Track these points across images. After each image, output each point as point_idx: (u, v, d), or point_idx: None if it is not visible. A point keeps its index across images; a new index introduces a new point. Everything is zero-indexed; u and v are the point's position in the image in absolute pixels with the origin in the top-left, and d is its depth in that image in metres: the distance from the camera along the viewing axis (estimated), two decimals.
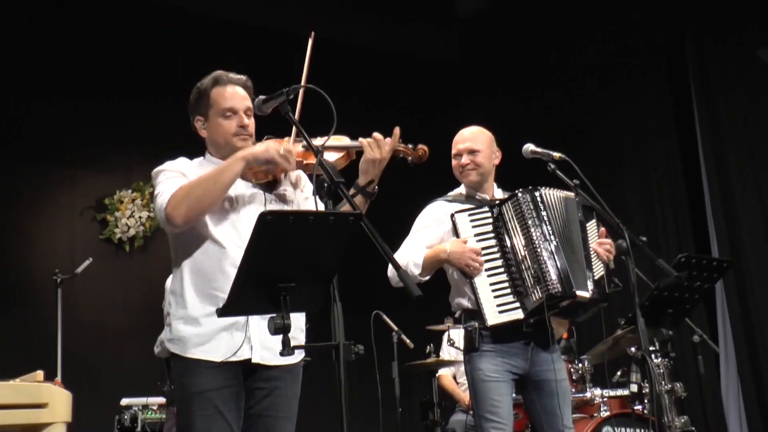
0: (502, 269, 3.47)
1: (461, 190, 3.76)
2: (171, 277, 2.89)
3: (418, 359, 5.12)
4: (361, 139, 2.78)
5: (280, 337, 2.24)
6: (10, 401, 3.06)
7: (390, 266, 3.39)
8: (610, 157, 7.05)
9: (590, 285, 3.48)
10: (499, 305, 3.42)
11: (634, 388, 4.34)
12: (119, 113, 6.91)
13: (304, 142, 2.80)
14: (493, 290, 3.43)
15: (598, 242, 3.60)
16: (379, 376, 4.74)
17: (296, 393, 2.84)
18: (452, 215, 3.52)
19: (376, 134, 2.79)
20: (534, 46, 7.72)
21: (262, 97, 2.76)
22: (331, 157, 2.77)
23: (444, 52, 8.36)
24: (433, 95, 7.98)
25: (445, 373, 5.49)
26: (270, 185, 2.88)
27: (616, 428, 4.39)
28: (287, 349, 2.24)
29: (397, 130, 2.84)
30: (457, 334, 5.48)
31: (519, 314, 3.42)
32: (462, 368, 5.61)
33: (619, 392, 4.66)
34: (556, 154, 3.49)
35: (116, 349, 6.53)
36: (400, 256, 3.52)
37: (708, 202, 6.52)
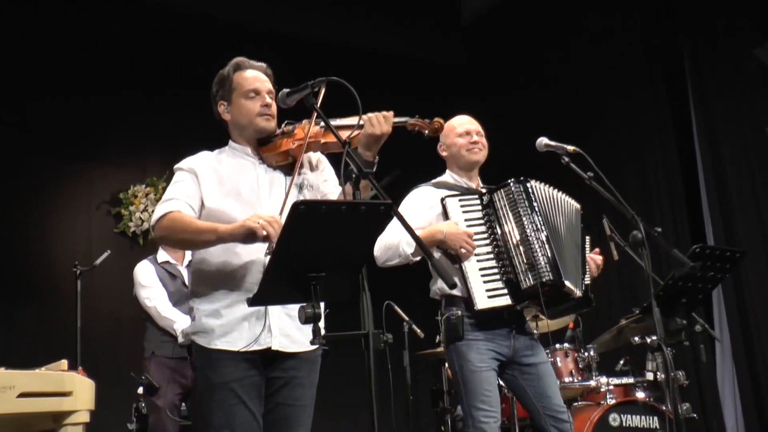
0: (491, 255, 3.41)
1: (447, 177, 3.66)
2: (188, 268, 2.87)
3: (429, 348, 5.05)
4: (364, 116, 2.66)
5: (310, 326, 2.18)
6: (35, 389, 3.01)
7: (378, 246, 3.36)
8: (608, 157, 6.96)
9: (581, 284, 3.49)
10: (488, 290, 3.34)
11: (650, 376, 4.28)
12: (134, 110, 6.85)
13: (322, 124, 2.74)
14: (483, 275, 3.36)
15: (591, 256, 3.64)
16: (390, 365, 4.69)
17: (314, 382, 2.77)
18: (443, 199, 3.44)
19: (376, 113, 2.69)
20: (533, 48, 7.66)
21: (286, 90, 2.70)
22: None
23: (447, 56, 8.27)
24: (435, 97, 7.91)
25: None
26: (290, 167, 2.82)
27: (622, 416, 4.32)
28: (318, 338, 2.17)
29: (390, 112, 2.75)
30: None
31: (507, 300, 3.35)
32: None
33: (625, 380, 4.58)
34: (570, 147, 3.42)
35: (131, 340, 6.45)
36: (388, 235, 3.37)
37: (705, 200, 6.46)
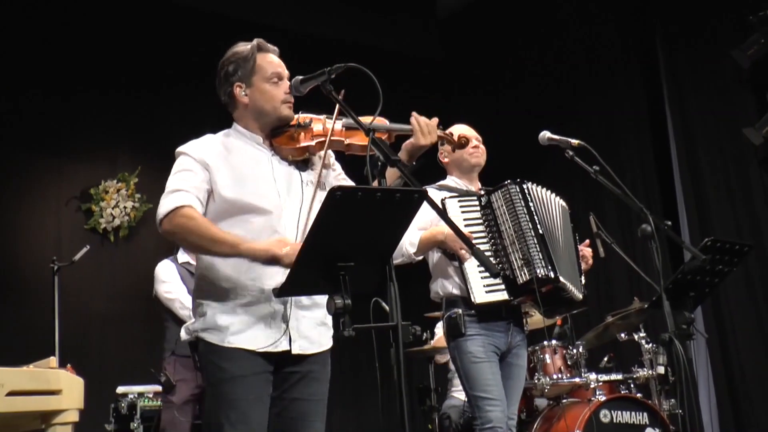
0: (489, 253, 3.51)
1: (448, 181, 3.80)
2: (197, 272, 2.69)
3: (416, 346, 4.97)
4: (413, 121, 2.64)
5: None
6: (24, 387, 2.87)
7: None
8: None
9: (580, 285, 3.64)
10: (485, 285, 3.45)
11: (660, 370, 4.29)
12: (105, 105, 6.69)
13: (344, 121, 2.64)
14: (480, 272, 3.46)
15: (581, 248, 3.76)
16: (378, 363, 4.59)
17: (327, 377, 2.69)
18: (443, 200, 3.54)
19: (424, 119, 2.66)
20: (509, 43, 7.66)
21: (299, 77, 2.59)
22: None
23: (423, 49, 8.22)
24: (411, 91, 7.86)
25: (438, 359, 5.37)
26: (303, 163, 2.70)
27: (612, 412, 4.31)
28: (347, 329, 2.08)
29: (436, 119, 2.71)
30: None
31: (503, 295, 3.47)
32: None
33: (614, 376, 4.58)
34: (575, 141, 3.41)
35: (105, 338, 6.32)
36: None
37: (680, 199, 6.50)
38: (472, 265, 3.45)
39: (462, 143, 3.02)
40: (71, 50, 6.51)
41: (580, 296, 3.63)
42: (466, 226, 3.50)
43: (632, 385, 4.66)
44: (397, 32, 7.85)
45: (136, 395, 4.87)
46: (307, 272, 2.08)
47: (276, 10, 7.17)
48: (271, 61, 2.67)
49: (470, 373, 3.46)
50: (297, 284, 2.10)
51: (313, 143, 2.63)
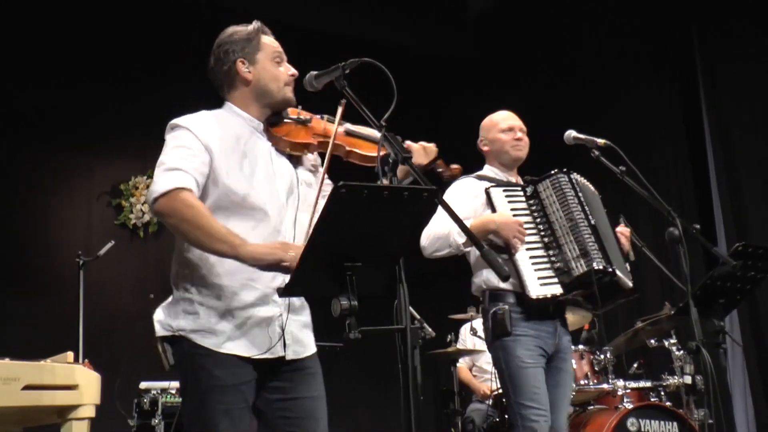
0: (539, 245, 3.35)
1: (487, 171, 3.61)
2: (181, 256, 2.46)
3: (439, 348, 4.91)
4: (409, 143, 2.52)
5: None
6: (41, 382, 2.87)
7: (425, 235, 3.29)
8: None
9: (628, 273, 3.44)
10: (540, 278, 3.27)
11: (687, 380, 4.16)
12: (136, 101, 6.70)
13: (346, 126, 2.56)
14: (534, 263, 3.30)
15: (618, 231, 3.57)
16: (401, 365, 4.53)
17: (320, 371, 2.57)
18: (487, 189, 3.40)
19: (425, 143, 2.58)
20: (542, 43, 7.54)
21: (314, 72, 2.53)
22: (370, 151, 2.51)
23: (456, 49, 8.14)
24: (444, 91, 7.80)
25: (461, 365, 5.30)
26: (296, 159, 2.56)
27: (640, 420, 4.19)
28: (354, 331, 2.02)
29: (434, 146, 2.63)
30: (480, 324, 5.32)
31: (558, 289, 3.29)
32: (480, 360, 5.48)
33: (642, 384, 4.46)
34: (601, 141, 3.32)
35: (131, 333, 6.32)
36: (437, 226, 3.30)
37: (716, 200, 6.35)
38: (524, 257, 3.28)
39: (455, 173, 2.74)
40: (103, 46, 6.55)
41: (630, 284, 3.42)
42: (513, 216, 3.34)
43: (662, 393, 4.53)
44: (429, 32, 7.78)
45: (158, 391, 4.87)
46: (313, 272, 2.01)
47: (310, 10, 7.15)
48: (273, 40, 2.59)
49: (516, 378, 3.25)
50: (302, 284, 2.04)
51: (314, 141, 2.52)
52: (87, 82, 6.49)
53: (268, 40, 2.58)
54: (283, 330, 2.41)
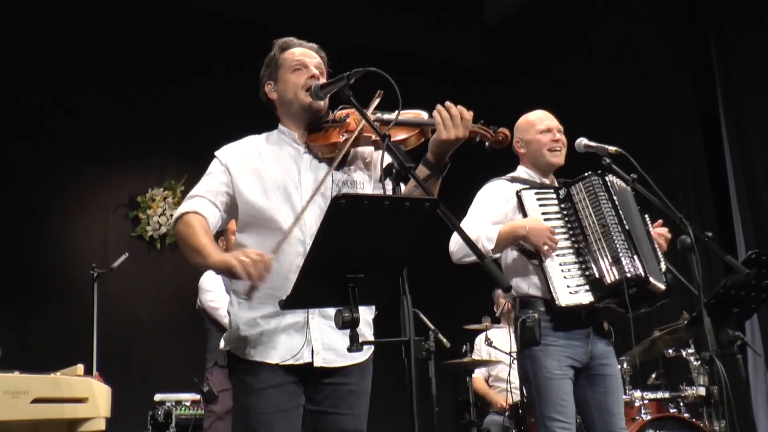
0: (571, 251, 3.25)
1: (520, 172, 3.50)
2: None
3: (454, 358, 4.87)
4: (435, 114, 2.38)
5: (347, 332, 2.01)
6: (50, 395, 2.86)
7: (454, 241, 3.22)
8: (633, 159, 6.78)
9: (661, 275, 3.28)
10: (569, 286, 3.17)
11: (701, 390, 4.08)
12: (153, 113, 6.75)
13: (378, 116, 2.52)
14: (563, 271, 3.20)
15: (656, 231, 3.42)
16: (415, 375, 4.50)
17: (366, 390, 2.55)
18: (518, 192, 3.30)
19: (453, 109, 2.37)
20: (557, 48, 7.50)
21: (319, 83, 2.54)
22: (402, 135, 2.48)
23: (471, 58, 8.12)
24: (458, 98, 7.76)
25: (477, 376, 5.25)
26: (339, 163, 2.52)
27: None
28: (355, 344, 2.00)
29: (470, 113, 2.45)
30: (496, 334, 5.27)
31: (589, 297, 3.17)
32: (495, 370, 5.43)
33: (660, 394, 4.39)
34: (612, 148, 3.26)
35: (148, 345, 6.37)
36: (467, 230, 3.23)
37: (734, 205, 6.26)
38: (554, 264, 3.19)
39: (501, 139, 2.58)
40: (122, 58, 6.59)
41: (663, 287, 3.27)
42: (544, 220, 3.23)
43: (681, 404, 4.45)
44: (445, 41, 7.78)
45: (173, 403, 4.87)
46: (314, 284, 1.99)
47: (327, 17, 7.15)
48: (294, 52, 2.62)
49: (543, 389, 3.16)
50: (303, 296, 2.02)
51: (341, 139, 2.50)
52: (105, 94, 6.53)
53: (289, 54, 2.62)
54: (309, 336, 2.42)
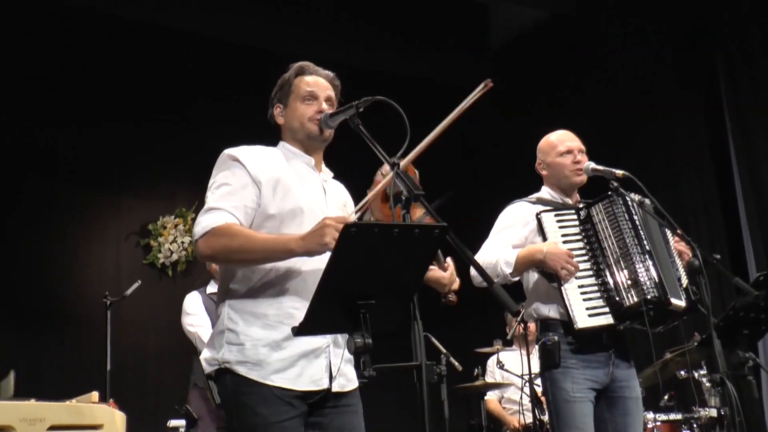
0: (590, 272, 3.24)
1: (544, 193, 3.51)
2: (225, 287, 2.52)
3: (466, 382, 4.88)
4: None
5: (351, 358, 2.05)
6: (66, 422, 2.90)
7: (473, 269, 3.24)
8: (642, 182, 6.78)
9: (682, 294, 3.25)
10: (588, 308, 3.16)
11: (713, 412, 4.07)
12: (163, 139, 6.82)
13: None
14: (582, 293, 3.20)
15: (677, 244, 3.39)
16: (427, 398, 4.51)
17: (361, 409, 2.58)
18: (538, 215, 3.30)
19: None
20: (565, 72, 7.54)
21: (328, 111, 2.59)
22: None
23: (476, 80, 8.17)
24: (463, 120, 7.82)
25: (491, 398, 5.25)
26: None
27: None
28: (368, 369, 2.03)
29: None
30: (507, 357, 5.28)
31: (608, 319, 3.17)
32: (508, 392, 5.43)
33: (672, 416, 4.38)
34: (619, 172, 3.27)
35: (160, 372, 6.39)
36: (486, 254, 3.26)
37: (744, 226, 6.25)
38: (573, 286, 3.18)
39: (452, 301, 2.84)
40: (131, 86, 6.67)
41: (683, 305, 3.22)
42: (564, 242, 3.25)
43: (694, 426, 4.45)
44: (450, 64, 7.83)
45: (186, 430, 4.88)
46: (326, 310, 2.03)
47: (334, 45, 7.23)
48: (308, 81, 2.64)
49: (562, 411, 3.16)
50: (316, 322, 2.06)
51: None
52: (116, 122, 6.60)
53: (303, 81, 2.65)
54: (329, 361, 2.43)
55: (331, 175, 2.74)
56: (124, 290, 5.58)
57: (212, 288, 4.76)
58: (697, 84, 6.68)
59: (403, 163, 2.62)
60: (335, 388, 2.45)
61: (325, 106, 2.60)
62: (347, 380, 2.49)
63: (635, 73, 6.99)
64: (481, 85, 3.28)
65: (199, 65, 6.95)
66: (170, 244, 6.79)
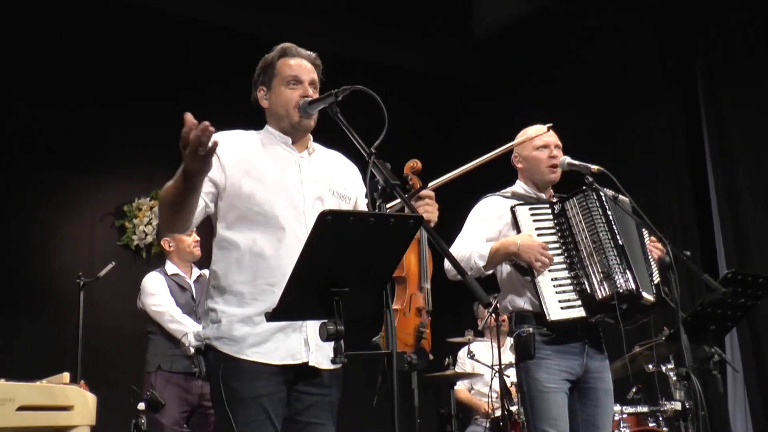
0: (564, 265, 3.28)
1: (517, 188, 3.55)
2: (211, 269, 2.60)
3: (437, 371, 4.91)
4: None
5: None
6: (36, 402, 2.90)
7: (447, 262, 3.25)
8: (618, 178, 6.84)
9: (653, 289, 3.30)
10: (561, 301, 3.20)
11: (677, 405, 4.15)
12: (141, 120, 6.75)
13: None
14: (555, 286, 3.24)
15: (651, 244, 3.43)
16: (397, 387, 4.53)
17: (338, 398, 2.63)
18: (512, 208, 3.32)
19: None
20: (545, 66, 7.58)
21: (307, 99, 2.60)
22: None
23: (461, 70, 8.21)
24: (449, 112, 7.87)
25: (460, 387, 5.30)
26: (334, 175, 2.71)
27: None
28: (339, 356, 2.05)
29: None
30: (479, 347, 5.33)
31: (581, 312, 3.21)
32: (478, 383, 5.47)
33: (639, 409, 4.46)
34: (594, 167, 3.32)
35: (133, 354, 6.35)
36: (459, 248, 3.29)
37: (717, 224, 6.35)
38: (546, 279, 3.23)
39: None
40: (108, 65, 6.60)
41: (652, 299, 3.27)
42: (538, 236, 3.27)
43: (660, 419, 4.52)
44: (434, 54, 7.85)
45: None
46: (300, 296, 2.04)
47: (320, 32, 7.20)
48: (291, 64, 2.65)
49: (536, 402, 3.20)
50: (289, 308, 2.07)
51: None
52: (95, 103, 6.55)
53: (286, 64, 2.66)
54: (306, 334, 2.47)
55: (319, 150, 2.75)
56: (98, 271, 5.54)
57: (172, 268, 4.70)
58: (678, 78, 6.75)
59: (430, 185, 2.68)
60: (312, 362, 2.48)
61: (310, 91, 2.62)
62: (325, 357, 2.48)
63: (616, 66, 7.05)
64: (544, 128, 3.46)
65: (181, 48, 6.88)
66: (145, 226, 6.75)
